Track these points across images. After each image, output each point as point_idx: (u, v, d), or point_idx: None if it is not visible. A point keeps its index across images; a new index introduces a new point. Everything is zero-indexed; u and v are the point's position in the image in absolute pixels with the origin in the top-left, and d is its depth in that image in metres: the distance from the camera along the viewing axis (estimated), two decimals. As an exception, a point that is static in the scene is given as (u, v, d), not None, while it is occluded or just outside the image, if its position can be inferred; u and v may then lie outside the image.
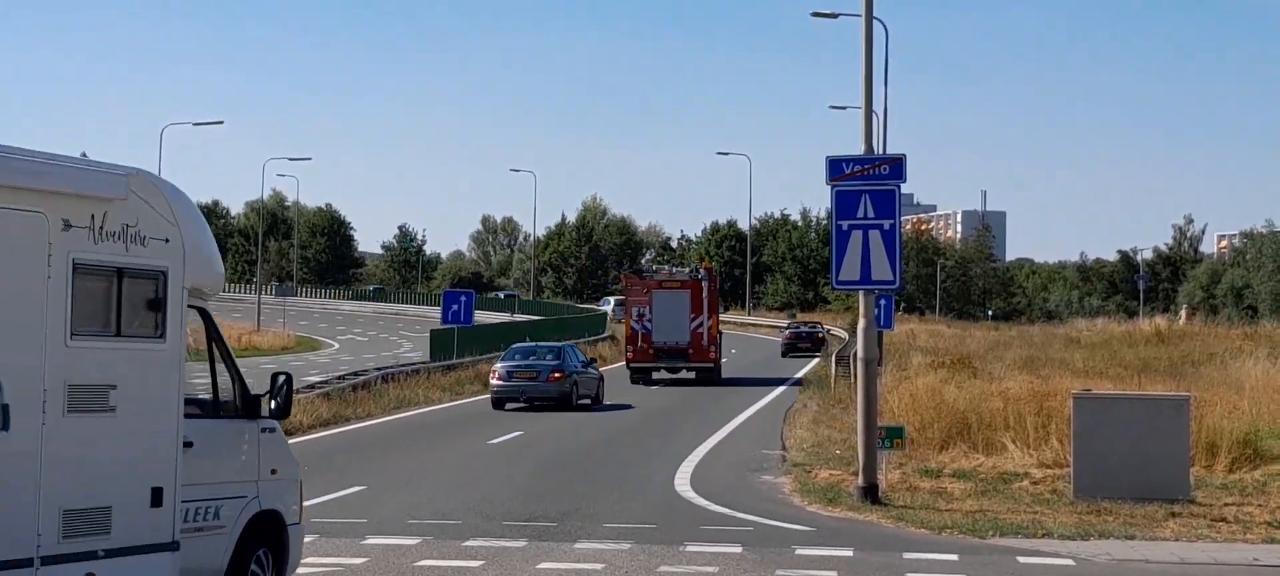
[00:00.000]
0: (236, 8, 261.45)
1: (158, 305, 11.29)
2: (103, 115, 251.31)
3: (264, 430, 13.12)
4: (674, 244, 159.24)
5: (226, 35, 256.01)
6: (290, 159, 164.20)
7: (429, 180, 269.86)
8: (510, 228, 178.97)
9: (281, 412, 13.09)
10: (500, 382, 43.17)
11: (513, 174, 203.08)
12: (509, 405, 42.76)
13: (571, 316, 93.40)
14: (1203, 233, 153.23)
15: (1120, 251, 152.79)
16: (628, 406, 44.49)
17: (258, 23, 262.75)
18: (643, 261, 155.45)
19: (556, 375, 43.05)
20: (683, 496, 24.40)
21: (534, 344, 48.70)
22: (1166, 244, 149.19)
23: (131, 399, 11.10)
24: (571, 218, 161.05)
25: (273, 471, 13.16)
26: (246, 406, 12.88)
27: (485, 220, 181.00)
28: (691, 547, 18.82)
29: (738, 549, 18.75)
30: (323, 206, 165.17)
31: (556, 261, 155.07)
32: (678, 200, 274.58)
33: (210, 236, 12.29)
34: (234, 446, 12.73)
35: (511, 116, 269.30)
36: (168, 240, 11.36)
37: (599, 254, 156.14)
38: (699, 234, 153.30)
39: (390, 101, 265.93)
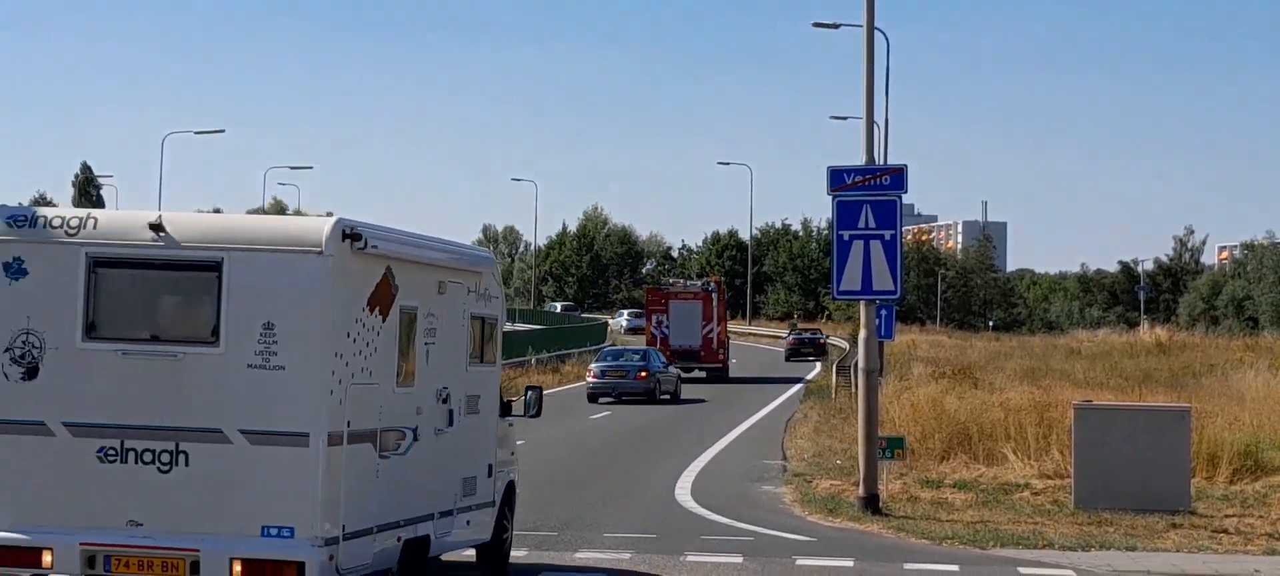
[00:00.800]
0: (238, 16, 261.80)
1: (492, 341, 16.42)
2: (104, 120, 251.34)
3: (509, 425, 17.43)
4: (675, 254, 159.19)
5: (228, 43, 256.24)
6: (291, 167, 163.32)
7: (430, 189, 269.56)
8: (511, 237, 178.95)
9: (535, 415, 17.94)
10: (595, 381, 50.16)
11: (514, 183, 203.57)
12: (602, 400, 49.01)
13: (571, 326, 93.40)
14: (1203, 244, 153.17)
15: (1121, 262, 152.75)
16: (701, 400, 50.95)
17: (259, 31, 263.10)
18: (644, 271, 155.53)
19: (643, 374, 49.81)
20: (683, 506, 24.39)
21: (622, 348, 57.56)
22: (1167, 255, 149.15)
23: (484, 404, 16.16)
24: (572, 227, 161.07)
25: (511, 453, 17.56)
26: (502, 408, 17.13)
27: (486, 229, 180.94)
28: (692, 557, 18.82)
29: (738, 559, 18.75)
30: (324, 215, 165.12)
31: (557, 271, 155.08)
32: (679, 210, 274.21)
33: None
34: (503, 437, 17.12)
35: (513, 125, 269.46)
36: (496, 298, 16.54)
37: (600, 263, 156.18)
38: (700, 244, 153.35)
39: (391, 110, 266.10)
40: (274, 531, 12.77)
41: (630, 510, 23.61)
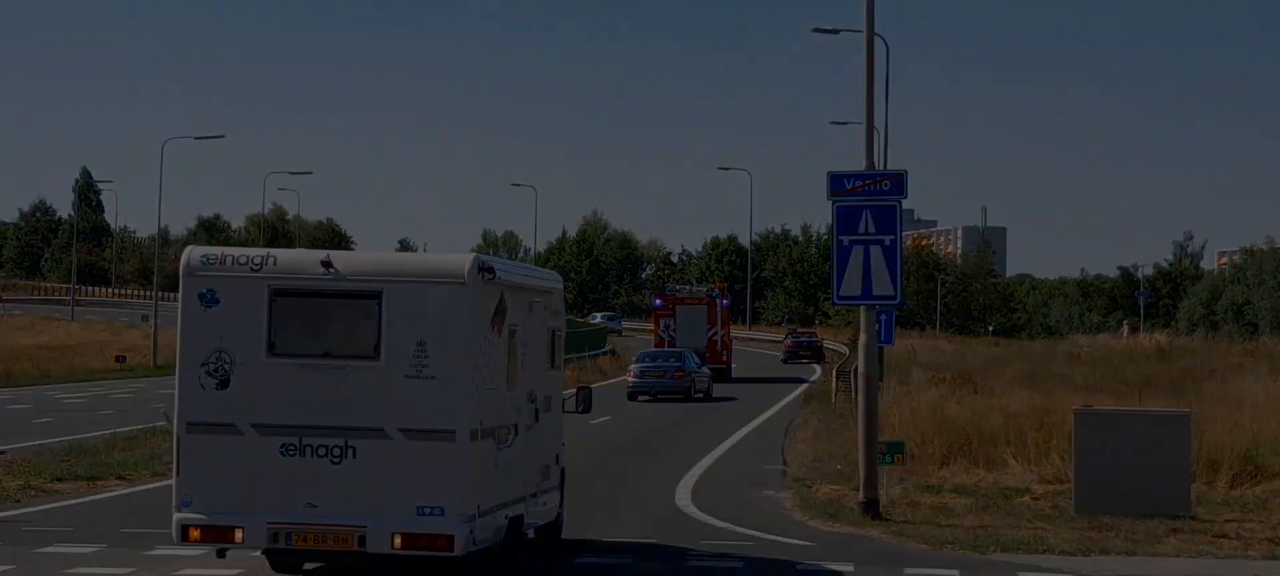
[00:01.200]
0: (237, 22, 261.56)
1: (559, 349, 19.00)
2: (104, 126, 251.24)
3: (561, 419, 19.51)
4: (675, 259, 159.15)
5: (227, 49, 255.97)
6: (291, 173, 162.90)
7: (429, 194, 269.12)
8: (511, 242, 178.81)
9: (585, 411, 20.30)
10: (635, 380, 53.68)
11: (513, 188, 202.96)
12: (640, 398, 52.22)
13: (572, 331, 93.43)
14: (1203, 249, 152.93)
15: (1121, 267, 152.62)
16: (732, 398, 54.05)
17: (258, 37, 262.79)
18: (643, 276, 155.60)
19: (679, 374, 53.46)
20: (683, 511, 24.40)
21: (658, 350, 61.60)
22: (1167, 260, 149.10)
23: (553, 402, 18.69)
24: (572, 232, 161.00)
25: (563, 443, 19.64)
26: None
27: (486, 234, 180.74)
28: (692, 563, 18.82)
29: (739, 564, 18.76)
30: (323, 221, 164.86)
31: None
32: (679, 215, 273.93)
33: None
34: (560, 428, 19.37)
35: (512, 131, 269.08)
36: (561, 312, 19.13)
37: (600, 268, 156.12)
38: (700, 249, 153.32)
39: (390, 116, 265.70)
40: (428, 510, 15.38)
41: (630, 515, 23.61)
